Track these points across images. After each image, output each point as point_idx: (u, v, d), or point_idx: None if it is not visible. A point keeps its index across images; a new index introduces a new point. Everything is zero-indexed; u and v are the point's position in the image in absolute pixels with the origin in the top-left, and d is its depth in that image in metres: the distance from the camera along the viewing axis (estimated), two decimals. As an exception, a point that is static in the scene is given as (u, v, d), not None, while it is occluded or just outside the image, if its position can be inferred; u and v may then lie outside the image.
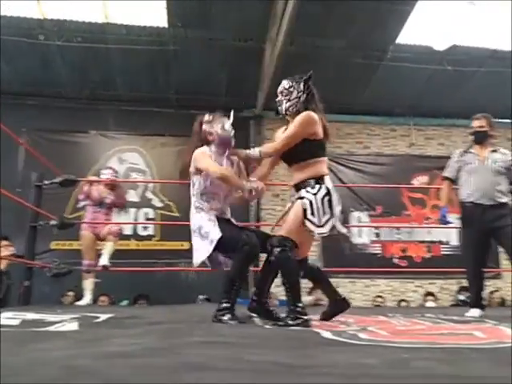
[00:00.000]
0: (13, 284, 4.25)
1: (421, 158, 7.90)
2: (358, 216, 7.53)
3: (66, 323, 2.10)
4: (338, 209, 2.46)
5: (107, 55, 6.34)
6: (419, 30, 6.10)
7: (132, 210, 6.93)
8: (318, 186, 2.45)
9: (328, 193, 2.43)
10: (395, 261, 7.36)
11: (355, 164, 7.80)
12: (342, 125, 7.94)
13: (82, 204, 4.92)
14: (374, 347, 1.49)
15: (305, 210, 2.39)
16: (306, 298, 3.35)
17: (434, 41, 6.25)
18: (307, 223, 2.37)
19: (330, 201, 2.42)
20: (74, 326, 2.01)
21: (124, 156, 7.34)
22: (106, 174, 4.81)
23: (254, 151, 2.56)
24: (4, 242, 4.15)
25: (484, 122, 3.55)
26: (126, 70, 6.74)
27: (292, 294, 2.32)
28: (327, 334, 1.80)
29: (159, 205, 7.17)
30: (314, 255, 7.28)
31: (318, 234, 2.39)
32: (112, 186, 4.72)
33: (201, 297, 6.33)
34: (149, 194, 7.23)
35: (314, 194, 2.42)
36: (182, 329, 2.06)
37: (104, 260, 4.25)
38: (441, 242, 7.48)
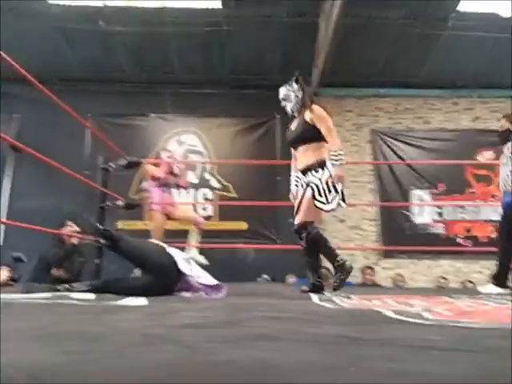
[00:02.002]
0: (85, 262, 4.53)
1: (485, 132, 7.47)
2: (419, 194, 7.31)
3: (136, 298, 2.22)
4: (339, 186, 2.92)
5: (164, 39, 6.47)
6: (482, -3, 5.75)
7: (191, 191, 7.12)
8: (321, 170, 2.94)
9: (330, 175, 2.90)
10: (459, 241, 7.11)
11: (415, 140, 7.54)
12: (400, 99, 7.70)
13: (146, 186, 5.08)
14: (439, 326, 1.48)
15: (313, 193, 2.89)
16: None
17: (499, 7, 5.86)
18: (317, 203, 2.88)
19: (332, 181, 2.89)
20: (143, 300, 2.12)
21: (182, 138, 7.52)
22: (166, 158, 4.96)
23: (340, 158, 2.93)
24: (69, 223, 4.37)
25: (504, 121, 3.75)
26: (182, 53, 6.85)
27: (329, 258, 2.95)
28: (390, 313, 1.80)
29: (217, 186, 7.31)
30: (372, 235, 7.21)
31: (327, 210, 2.89)
32: (170, 170, 4.85)
33: (264, 276, 6.46)
34: (207, 175, 7.38)
35: (319, 178, 2.92)
36: (245, 304, 2.13)
37: (195, 253, 4.38)
38: (508, 221, 7.14)
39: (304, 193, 2.99)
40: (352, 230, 7.24)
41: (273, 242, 6.94)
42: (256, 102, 7.13)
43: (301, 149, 3.08)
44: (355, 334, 1.16)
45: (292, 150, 3.24)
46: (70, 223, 4.19)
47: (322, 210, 2.89)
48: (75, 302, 1.98)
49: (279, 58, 6.89)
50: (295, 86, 3.17)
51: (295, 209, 3.11)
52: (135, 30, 6.23)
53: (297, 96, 3.15)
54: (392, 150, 7.48)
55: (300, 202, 3.03)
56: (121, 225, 6.81)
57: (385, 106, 7.73)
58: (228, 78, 7.41)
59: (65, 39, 6.53)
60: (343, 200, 2.95)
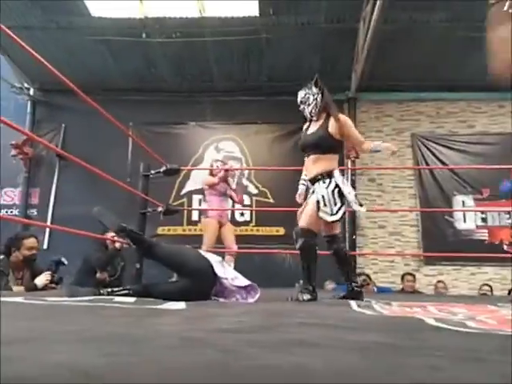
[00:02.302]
0: (126, 266, 4.64)
1: (533, 135, 7.20)
2: (462, 200, 7.09)
3: (174, 302, 2.26)
4: (352, 194, 2.96)
5: (203, 48, 6.58)
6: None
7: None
8: (328, 181, 2.94)
9: (337, 185, 2.92)
10: (504, 247, 6.84)
11: (458, 144, 7.33)
12: (443, 103, 7.52)
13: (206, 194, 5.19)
14: (483, 335, 1.43)
15: (318, 203, 2.90)
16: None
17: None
18: (320, 214, 2.89)
19: (339, 192, 2.91)
20: (181, 305, 2.15)
21: (220, 145, 7.61)
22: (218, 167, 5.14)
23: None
24: None
25: None
26: (220, 61, 6.95)
27: (307, 275, 2.93)
28: (431, 321, 1.75)
29: (254, 191, 7.34)
30: (413, 241, 7.05)
31: (331, 221, 2.91)
32: (224, 178, 5.04)
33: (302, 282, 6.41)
34: (244, 181, 7.43)
35: (326, 188, 2.92)
36: (282, 310, 2.13)
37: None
38: (559, 228, 6.83)
39: (310, 199, 3.02)
40: (392, 236, 7.10)
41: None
42: (293, 109, 7.04)
43: (313, 157, 3.05)
44: (395, 341, 1.14)
45: (304, 154, 3.18)
46: None
47: (325, 220, 2.91)
48: (117, 305, 2.03)
49: (317, 64, 6.87)
50: (314, 89, 3.12)
51: (299, 210, 3.14)
52: (175, 40, 6.37)
53: (316, 99, 3.11)
54: (434, 154, 7.30)
55: (304, 208, 3.06)
56: (161, 231, 6.95)
57: (426, 109, 7.56)
58: (265, 85, 7.45)
59: (108, 51, 6.76)
60: (361, 204, 2.98)
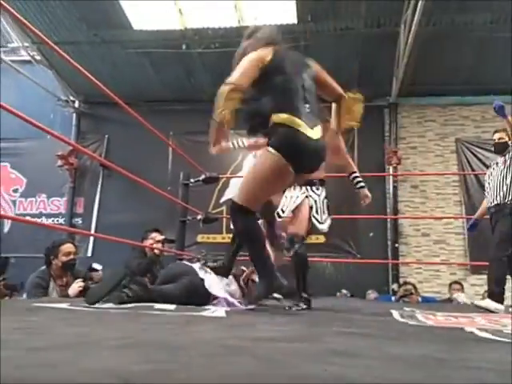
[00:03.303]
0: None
1: None
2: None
3: (215, 310, 2.26)
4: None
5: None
6: None
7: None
8: (321, 188, 2.86)
9: (326, 196, 2.86)
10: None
11: (505, 149, 7.06)
12: (487, 107, 7.25)
13: None
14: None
15: (311, 208, 2.78)
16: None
17: None
18: (313, 219, 2.77)
19: (328, 203, 2.85)
20: (222, 312, 2.15)
21: (259, 152, 7.62)
22: None
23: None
24: (153, 234, 4.50)
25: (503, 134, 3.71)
26: (259, 70, 6.99)
27: (302, 284, 2.67)
28: (478, 332, 1.68)
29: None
30: (459, 250, 6.81)
31: (320, 229, 2.78)
32: None
33: (343, 291, 6.34)
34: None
35: (319, 195, 2.83)
36: (322, 319, 2.10)
37: None
38: None
39: (303, 201, 2.80)
40: (437, 245, 6.89)
41: (352, 256, 6.80)
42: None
43: None
44: (440, 353, 1.10)
45: None
46: (152, 235, 4.35)
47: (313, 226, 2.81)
48: (157, 312, 2.05)
49: (356, 70, 6.80)
50: None
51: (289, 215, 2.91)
52: (214, 50, 6.46)
53: None
54: (479, 159, 7.05)
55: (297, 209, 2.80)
56: (200, 238, 7.02)
57: (470, 114, 7.33)
58: (304, 91, 7.42)
59: (149, 63, 6.94)
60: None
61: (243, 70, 2.30)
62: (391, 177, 7.06)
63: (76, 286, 3.27)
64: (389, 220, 7.03)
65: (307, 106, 2.27)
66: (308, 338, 1.35)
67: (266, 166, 2.22)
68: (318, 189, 2.86)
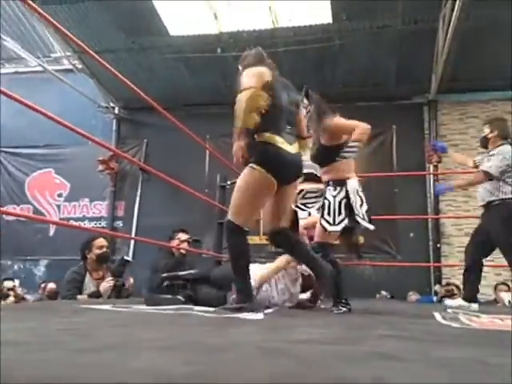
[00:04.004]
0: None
1: None
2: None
3: (252, 312, 2.27)
4: (363, 208, 2.76)
5: (277, 58, 6.62)
6: None
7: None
8: (338, 189, 2.75)
9: (346, 196, 2.72)
10: None
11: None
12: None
13: None
14: None
15: (322, 212, 2.75)
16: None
17: None
18: (322, 221, 2.73)
19: (347, 203, 2.71)
20: (259, 315, 2.16)
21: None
22: None
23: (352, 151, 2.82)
24: (179, 234, 4.54)
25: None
26: (294, 71, 6.94)
27: (337, 292, 2.74)
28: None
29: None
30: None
31: (330, 231, 2.71)
32: None
33: (383, 293, 6.23)
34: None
35: (334, 196, 2.73)
36: (362, 322, 2.07)
37: None
38: None
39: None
40: (481, 245, 6.66)
41: (392, 257, 6.67)
42: (370, 114, 6.89)
43: (324, 168, 2.94)
44: (485, 357, 1.06)
45: None
46: (179, 235, 4.39)
47: (324, 229, 2.73)
48: (197, 313, 2.08)
49: (394, 68, 6.68)
50: (305, 101, 3.01)
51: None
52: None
53: (309, 111, 2.97)
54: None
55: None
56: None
57: (514, 109, 7.06)
58: (340, 91, 7.34)
59: (186, 67, 7.03)
60: (370, 221, 2.79)
61: (252, 78, 2.48)
62: (432, 175, 6.88)
63: (107, 284, 3.41)
64: (430, 220, 6.85)
65: (289, 127, 2.49)
66: (348, 341, 1.34)
67: (251, 183, 2.38)
68: (335, 189, 2.77)
